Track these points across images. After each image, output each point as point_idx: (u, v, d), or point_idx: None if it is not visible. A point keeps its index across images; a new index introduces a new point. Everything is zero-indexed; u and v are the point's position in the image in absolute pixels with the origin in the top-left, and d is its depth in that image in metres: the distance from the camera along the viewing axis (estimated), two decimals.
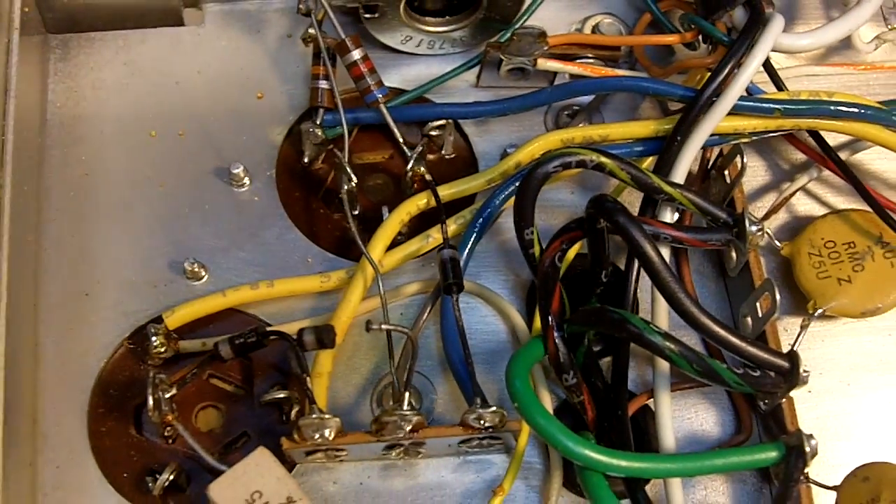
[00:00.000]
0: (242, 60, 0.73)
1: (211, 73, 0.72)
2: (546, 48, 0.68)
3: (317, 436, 0.57)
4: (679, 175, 0.63)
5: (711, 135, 0.64)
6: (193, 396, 0.64)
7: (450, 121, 0.69)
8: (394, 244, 0.65)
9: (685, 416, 0.64)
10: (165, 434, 0.62)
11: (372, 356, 0.65)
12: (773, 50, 0.65)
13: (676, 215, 0.64)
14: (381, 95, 0.67)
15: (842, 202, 0.70)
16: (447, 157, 0.70)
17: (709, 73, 0.64)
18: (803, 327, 0.62)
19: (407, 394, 0.58)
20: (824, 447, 0.60)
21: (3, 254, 0.60)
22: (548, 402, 0.62)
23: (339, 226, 0.68)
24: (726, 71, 0.63)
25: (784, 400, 0.60)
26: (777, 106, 0.64)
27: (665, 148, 0.64)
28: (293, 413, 0.62)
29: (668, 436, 0.60)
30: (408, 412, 0.58)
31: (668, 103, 0.70)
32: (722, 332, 0.56)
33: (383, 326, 0.58)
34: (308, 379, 0.59)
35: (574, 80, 0.69)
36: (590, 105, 0.71)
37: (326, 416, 0.57)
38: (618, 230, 0.56)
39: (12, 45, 0.65)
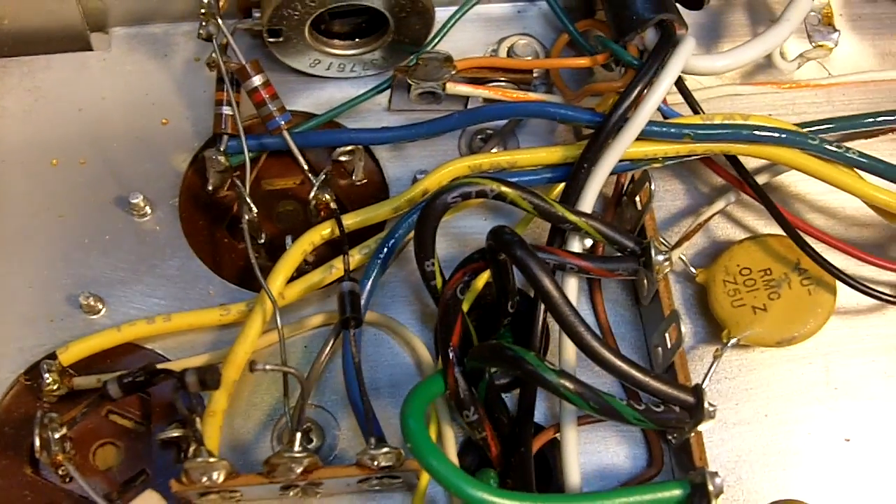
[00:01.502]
0: (148, 85, 0.71)
1: (115, 98, 0.71)
2: (454, 72, 0.66)
3: (204, 479, 0.56)
4: (587, 203, 0.61)
5: (622, 160, 0.63)
6: (91, 433, 0.62)
7: (359, 146, 0.66)
8: (301, 274, 0.63)
9: (595, 450, 0.63)
10: (60, 474, 0.60)
11: (272, 392, 0.63)
12: (687, 72, 0.63)
13: (589, 242, 0.62)
14: (283, 122, 0.65)
15: (762, 226, 0.68)
16: (357, 183, 0.68)
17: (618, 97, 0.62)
18: (716, 357, 0.61)
19: (299, 434, 0.57)
20: (739, 481, 0.61)
21: None
22: (451, 439, 0.60)
23: (243, 255, 0.66)
24: (634, 94, 0.61)
25: (692, 435, 0.58)
26: (688, 130, 0.63)
27: (572, 175, 0.62)
28: (191, 451, 0.59)
29: (574, 473, 0.59)
30: (299, 453, 0.56)
31: (580, 128, 0.67)
32: (624, 367, 0.54)
33: (268, 367, 0.56)
34: (197, 419, 0.57)
35: (486, 104, 0.67)
36: (503, 129, 0.69)
37: (213, 459, 0.56)
38: (515, 263, 0.54)
39: None
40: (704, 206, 0.68)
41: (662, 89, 0.61)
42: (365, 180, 0.69)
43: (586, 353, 0.54)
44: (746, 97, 0.72)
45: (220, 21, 0.64)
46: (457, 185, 0.59)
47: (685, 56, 0.62)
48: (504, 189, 0.59)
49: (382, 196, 0.68)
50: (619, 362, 0.54)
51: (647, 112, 0.61)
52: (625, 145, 0.61)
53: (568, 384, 0.53)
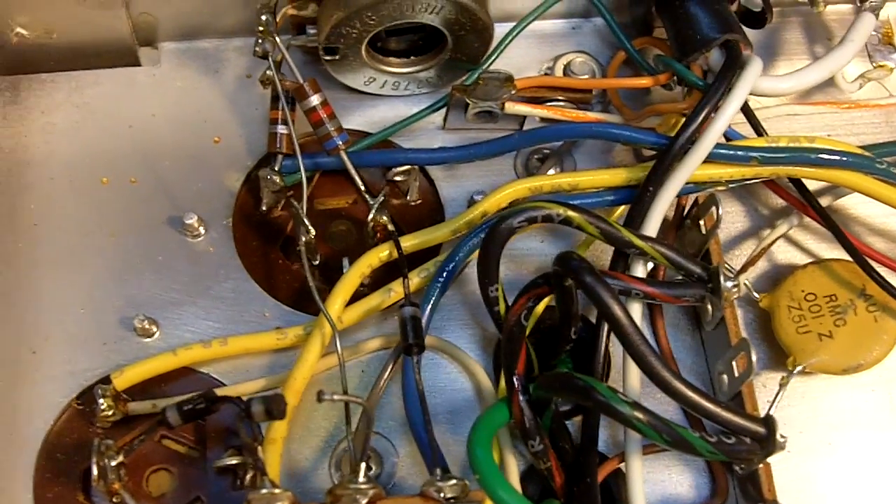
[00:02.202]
0: (199, 102, 0.70)
1: (166, 115, 0.70)
2: (514, 91, 0.65)
3: None
4: (651, 227, 0.60)
5: (686, 183, 0.61)
6: (145, 459, 0.61)
7: (415, 166, 0.66)
8: (356, 297, 0.63)
9: (658, 479, 0.62)
10: (115, 501, 0.59)
11: (330, 417, 0.62)
12: (751, 94, 0.62)
13: (650, 266, 0.61)
14: (341, 142, 0.64)
15: (824, 250, 0.67)
16: (412, 203, 0.68)
17: (683, 119, 0.61)
18: (782, 385, 0.60)
19: (363, 464, 0.56)
20: None
21: None
22: (514, 467, 0.59)
23: (298, 277, 0.66)
24: (701, 118, 0.60)
25: (761, 465, 0.58)
26: (755, 154, 0.62)
27: (637, 198, 0.61)
28: (248, 478, 0.59)
29: (640, 502, 0.57)
30: (363, 485, 0.55)
31: (641, 149, 0.67)
32: (694, 397, 0.53)
33: (335, 397, 0.55)
34: (259, 448, 0.56)
35: (544, 124, 0.67)
36: (560, 149, 0.68)
37: (277, 490, 0.54)
38: (584, 290, 0.53)
39: None
40: (764, 228, 0.68)
41: (731, 112, 0.61)
42: (419, 200, 0.68)
43: (656, 382, 0.53)
44: (805, 117, 0.71)
45: (277, 39, 0.63)
46: (522, 210, 0.58)
47: (753, 78, 0.61)
48: (570, 213, 0.58)
49: (437, 217, 0.68)
50: (689, 392, 0.54)
51: (714, 135, 0.60)
52: (691, 169, 0.61)
53: (641, 416, 0.53)
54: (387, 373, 0.62)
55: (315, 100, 0.64)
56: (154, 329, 0.64)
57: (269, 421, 0.57)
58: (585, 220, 0.58)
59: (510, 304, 0.58)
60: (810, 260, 0.66)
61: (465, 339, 0.65)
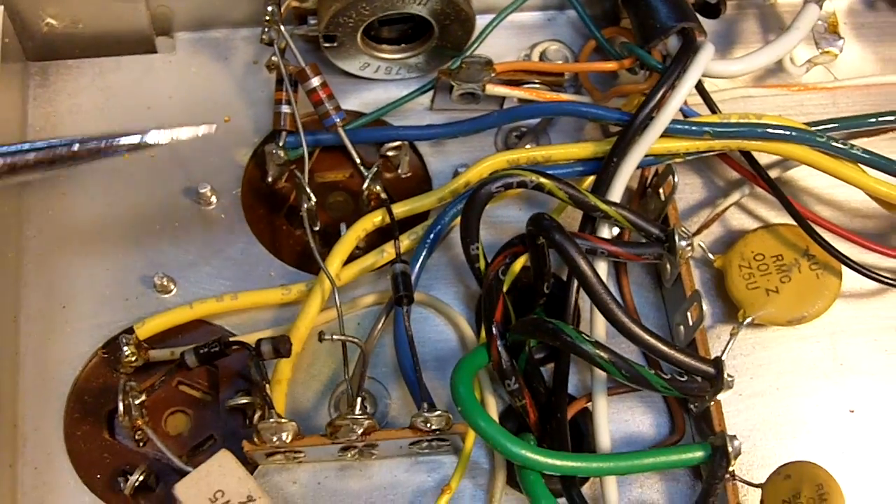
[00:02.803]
0: (211, 86, 0.77)
1: (181, 98, 0.76)
2: (493, 75, 0.72)
3: (275, 439, 0.61)
4: (616, 193, 0.67)
5: (647, 155, 0.68)
6: (163, 402, 0.68)
7: (405, 142, 0.73)
8: (352, 258, 0.70)
9: (622, 419, 0.68)
10: (136, 438, 0.66)
11: (330, 364, 0.69)
12: (705, 75, 0.69)
13: (616, 231, 0.68)
14: (338, 119, 0.71)
15: (773, 216, 0.74)
16: (403, 175, 0.74)
17: (643, 98, 0.68)
18: (733, 335, 0.66)
19: (359, 399, 0.62)
20: (754, 447, 0.67)
21: None
22: (493, 406, 0.65)
23: (300, 241, 0.72)
24: (659, 96, 0.67)
25: (712, 403, 0.64)
26: (707, 128, 0.68)
27: (602, 168, 0.68)
28: (255, 418, 0.66)
29: (605, 437, 0.64)
30: (359, 416, 0.62)
31: (608, 126, 0.74)
32: (651, 340, 0.60)
33: (335, 337, 0.62)
34: (267, 386, 0.62)
35: (521, 104, 0.73)
36: (537, 127, 0.75)
37: (283, 420, 0.61)
38: (554, 246, 0.60)
39: None
40: (720, 198, 0.74)
41: (684, 91, 0.67)
42: (410, 173, 0.75)
43: (617, 327, 0.60)
44: (758, 99, 0.77)
45: (282, 28, 0.70)
46: (500, 177, 0.65)
47: (705, 61, 0.68)
48: (542, 180, 0.65)
49: (426, 188, 0.74)
50: (647, 336, 0.60)
51: (670, 111, 0.67)
52: (650, 142, 0.67)
53: (602, 353, 0.59)
54: (380, 323, 0.68)
55: (315, 82, 0.71)
56: (171, 286, 0.70)
57: (276, 359, 0.64)
58: (556, 186, 0.65)
59: (489, 261, 0.65)
60: (760, 225, 0.72)
61: (450, 296, 0.71)
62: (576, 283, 0.66)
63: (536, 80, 0.75)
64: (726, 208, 0.72)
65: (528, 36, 0.80)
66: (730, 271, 0.69)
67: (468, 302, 0.71)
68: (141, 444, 0.66)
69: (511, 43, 0.79)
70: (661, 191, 0.69)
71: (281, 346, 0.62)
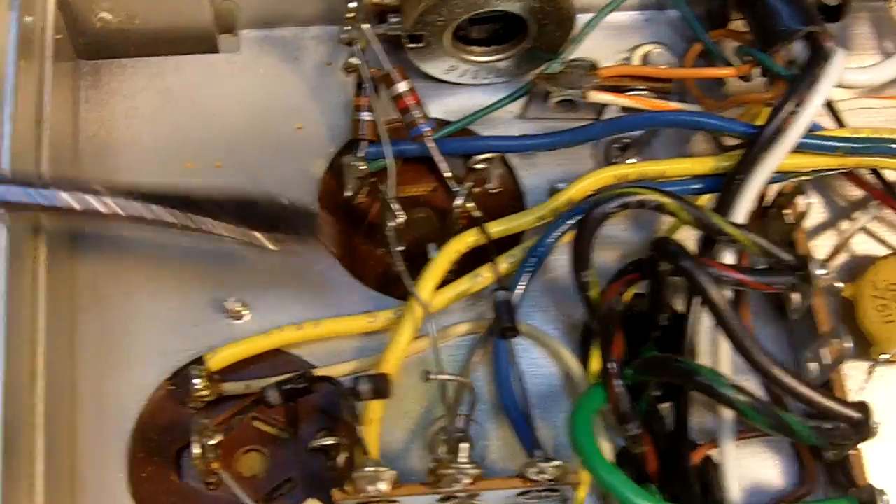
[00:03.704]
0: (280, 89, 0.71)
1: (248, 102, 0.70)
2: (597, 80, 0.66)
3: (371, 488, 0.55)
4: (740, 215, 0.61)
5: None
6: (236, 440, 0.62)
7: (497, 154, 0.66)
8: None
9: (746, 465, 0.62)
10: (207, 480, 0.60)
11: (420, 401, 0.63)
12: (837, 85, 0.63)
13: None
14: (427, 129, 0.65)
15: None
16: (492, 191, 0.68)
17: (768, 109, 0.62)
18: (870, 373, 0.60)
19: (466, 445, 0.56)
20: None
21: (41, 293, 0.58)
22: (607, 451, 0.59)
23: (381, 262, 0.66)
24: (790, 106, 0.61)
25: (853, 451, 0.59)
26: (839, 144, 0.63)
27: (725, 186, 0.62)
28: (340, 459, 0.59)
29: (734, 489, 0.59)
30: (466, 464, 0.56)
31: (721, 139, 0.67)
32: (793, 383, 0.55)
33: (441, 377, 0.56)
34: (361, 429, 0.56)
35: (628, 113, 0.67)
36: (641, 138, 0.68)
37: (382, 468, 0.55)
38: (683, 275, 0.55)
39: (45, 73, 0.63)
40: (841, 220, 0.68)
41: (818, 102, 0.61)
42: (500, 188, 0.68)
43: (754, 366, 0.55)
44: (876, 110, 0.71)
45: (367, 26, 0.64)
46: (617, 195, 0.59)
47: (840, 68, 0.62)
48: (665, 200, 0.59)
49: (517, 204, 0.68)
50: (788, 378, 0.55)
51: (803, 124, 0.61)
52: (780, 157, 0.61)
53: (744, 398, 0.54)
54: (476, 356, 0.62)
55: (403, 86, 0.65)
56: (244, 311, 0.64)
57: (375, 399, 0.57)
58: (679, 207, 0.59)
59: (602, 289, 0.58)
60: (889, 251, 0.67)
61: (549, 326, 0.65)
62: (693, 315, 0.60)
63: (642, 87, 0.68)
64: (855, 232, 0.66)
65: (625, 38, 0.73)
66: (861, 302, 0.63)
67: (569, 332, 0.65)
68: (211, 487, 0.60)
69: (607, 45, 0.73)
70: (786, 212, 0.63)
71: (381, 386, 0.56)
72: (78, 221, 0.58)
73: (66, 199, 0.56)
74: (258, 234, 0.59)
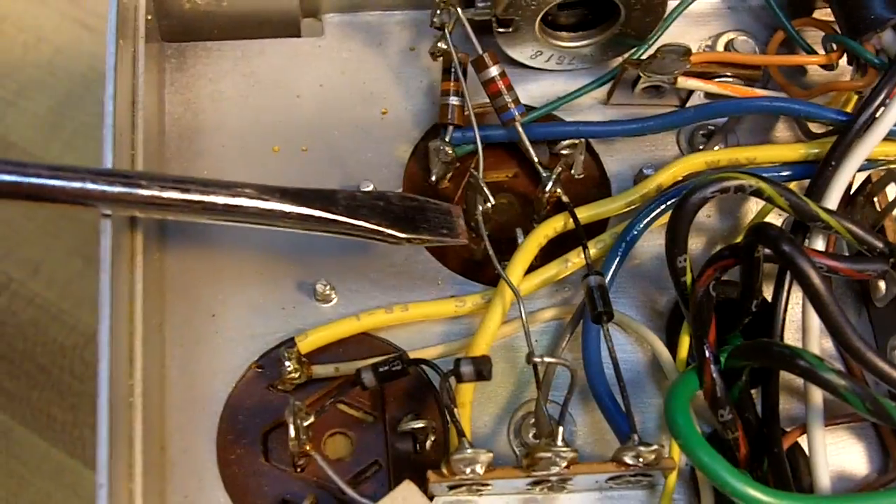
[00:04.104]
0: (365, 74, 0.70)
1: (333, 86, 0.70)
2: (688, 66, 0.65)
3: (468, 470, 0.55)
4: (832, 201, 0.61)
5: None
6: (322, 423, 0.61)
7: (582, 140, 0.66)
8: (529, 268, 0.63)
9: (832, 452, 0.61)
10: (296, 462, 0.60)
11: (507, 384, 0.63)
12: None
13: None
14: (518, 113, 0.65)
15: None
16: (577, 176, 0.67)
17: (854, 97, 0.64)
18: None
19: (561, 429, 0.56)
20: None
21: (138, 274, 0.58)
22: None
23: (465, 247, 0.65)
24: (885, 93, 0.61)
25: None
26: None
27: (818, 173, 0.62)
28: (428, 443, 0.60)
29: (824, 475, 0.58)
30: (563, 448, 0.55)
31: (808, 126, 0.67)
32: (888, 368, 0.54)
33: (546, 359, 0.56)
34: (456, 411, 0.56)
35: (716, 99, 0.67)
36: (726, 126, 0.68)
37: (479, 450, 0.55)
38: (783, 260, 0.54)
39: (138, 54, 0.62)
40: None
41: None
42: (584, 174, 0.68)
43: (851, 353, 0.54)
44: None
45: (459, 10, 0.64)
46: (715, 180, 0.58)
47: None
48: (762, 185, 0.58)
49: (603, 190, 0.68)
50: (884, 365, 0.54)
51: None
52: (873, 144, 0.61)
53: (846, 383, 0.53)
54: (567, 338, 0.62)
55: (495, 70, 0.65)
56: (333, 295, 0.64)
57: (477, 381, 0.57)
58: (776, 192, 0.58)
59: (696, 275, 0.58)
60: None
61: (634, 312, 0.65)
62: (783, 300, 0.60)
63: (729, 74, 0.67)
64: None
65: (707, 25, 0.73)
66: None
67: (655, 319, 0.65)
68: (300, 469, 0.60)
69: (689, 31, 0.73)
70: (875, 199, 0.63)
71: (483, 368, 0.55)
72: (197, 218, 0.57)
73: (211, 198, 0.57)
74: (394, 231, 0.59)
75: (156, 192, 0.55)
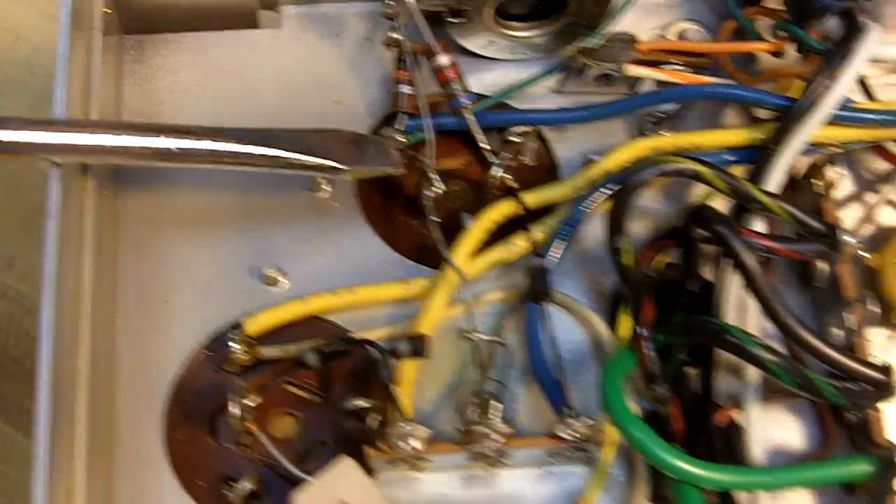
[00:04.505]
0: (321, 65, 0.71)
1: (289, 77, 0.71)
2: (635, 54, 0.66)
3: (405, 445, 0.56)
4: (773, 185, 0.62)
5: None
6: (269, 403, 0.62)
7: (533, 127, 0.67)
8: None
9: (769, 428, 0.63)
10: (242, 442, 0.61)
11: (450, 364, 0.63)
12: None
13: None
14: (467, 101, 0.66)
15: None
16: (527, 164, 0.68)
17: (801, 83, 0.64)
18: (892, 338, 0.61)
19: (500, 405, 0.57)
20: None
21: (87, 259, 0.59)
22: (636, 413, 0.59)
23: (418, 232, 0.67)
24: (826, 79, 0.62)
25: (874, 412, 0.60)
26: (874, 116, 0.63)
27: (760, 157, 0.63)
28: (373, 421, 0.60)
29: (759, 449, 0.59)
30: (499, 423, 0.56)
31: (753, 111, 0.68)
32: (821, 346, 0.55)
33: (482, 336, 0.57)
34: (396, 388, 0.57)
35: (664, 86, 0.68)
36: (674, 112, 0.69)
37: (416, 426, 0.56)
38: (719, 241, 0.56)
39: (94, 45, 0.64)
40: (865, 191, 0.69)
41: (852, 75, 0.62)
42: (535, 162, 0.69)
43: (783, 330, 0.56)
44: None
45: (410, 1, 0.65)
46: (654, 164, 0.60)
47: (874, 42, 0.62)
48: (702, 169, 0.59)
49: (551, 178, 0.69)
50: (814, 339, 0.55)
51: (836, 96, 0.62)
52: (813, 129, 0.62)
53: (774, 358, 0.54)
54: (505, 321, 0.64)
55: (445, 60, 0.66)
56: (281, 279, 0.65)
57: (413, 359, 0.58)
58: (715, 176, 0.59)
59: (636, 256, 0.59)
60: None
61: (578, 293, 0.66)
62: (720, 283, 0.61)
63: (676, 62, 0.68)
64: (882, 203, 0.67)
65: (659, 14, 0.74)
66: (886, 271, 0.64)
67: (598, 300, 0.66)
68: (246, 448, 0.61)
69: (642, 21, 0.73)
70: (817, 183, 0.63)
71: (420, 346, 0.57)
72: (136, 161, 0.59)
73: (133, 140, 0.58)
74: (328, 161, 0.60)
75: (103, 137, 0.57)
